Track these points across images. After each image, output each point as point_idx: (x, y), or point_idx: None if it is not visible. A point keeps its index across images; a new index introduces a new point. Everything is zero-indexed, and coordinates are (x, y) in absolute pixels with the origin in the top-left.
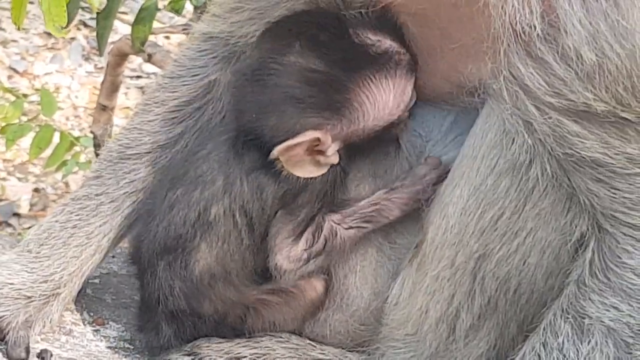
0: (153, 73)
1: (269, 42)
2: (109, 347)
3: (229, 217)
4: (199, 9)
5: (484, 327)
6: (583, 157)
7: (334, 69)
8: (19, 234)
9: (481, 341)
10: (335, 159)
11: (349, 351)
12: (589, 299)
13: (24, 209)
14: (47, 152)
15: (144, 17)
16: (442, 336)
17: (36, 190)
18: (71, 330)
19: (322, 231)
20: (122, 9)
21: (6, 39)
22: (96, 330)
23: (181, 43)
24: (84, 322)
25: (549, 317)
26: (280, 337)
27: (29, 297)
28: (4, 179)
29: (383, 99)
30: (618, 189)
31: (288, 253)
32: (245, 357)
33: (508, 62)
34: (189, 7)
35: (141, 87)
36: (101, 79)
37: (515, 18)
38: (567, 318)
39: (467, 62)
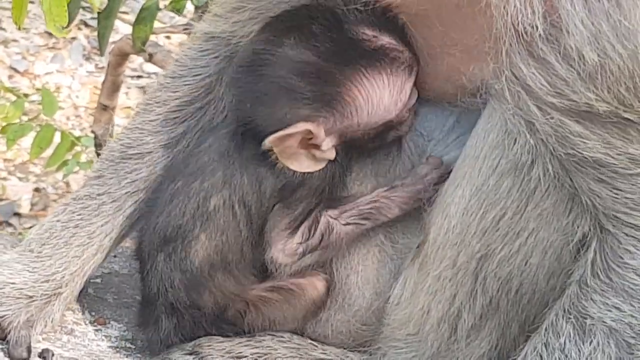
0: (154, 73)
1: (266, 34)
2: (111, 347)
3: (228, 208)
4: (200, 9)
5: (486, 327)
6: (585, 158)
7: (326, 62)
8: (20, 233)
9: (483, 341)
10: (331, 155)
11: (351, 351)
12: (591, 299)
13: (24, 209)
14: (48, 151)
15: (145, 17)
16: (443, 336)
17: (37, 190)
18: (73, 329)
19: (318, 226)
20: (123, 8)
21: (7, 39)
22: (98, 330)
23: (182, 43)
24: (85, 322)
25: (551, 318)
26: (282, 337)
27: (31, 297)
28: (4, 178)
29: (377, 95)
30: (620, 190)
31: (283, 246)
32: (246, 356)
33: (510, 63)
34: (189, 7)
35: (142, 87)
36: (102, 78)
37: (517, 18)
38: (569, 318)
39: (469, 63)
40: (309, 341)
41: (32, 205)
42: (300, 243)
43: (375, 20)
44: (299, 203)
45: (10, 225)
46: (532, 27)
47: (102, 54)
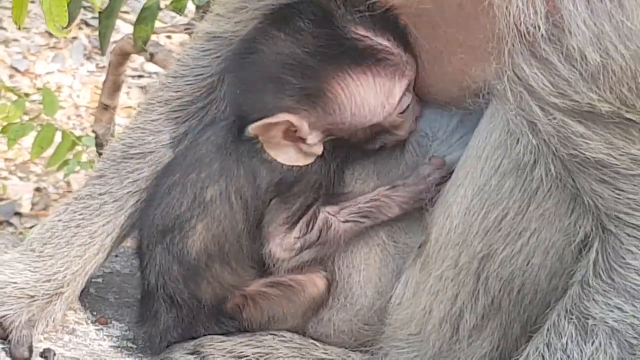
0: (155, 72)
1: (257, 26)
2: (112, 346)
3: (225, 199)
4: (201, 9)
5: (488, 327)
6: (587, 158)
7: (311, 57)
8: (21, 233)
9: (484, 341)
10: (318, 150)
11: (352, 351)
12: (593, 299)
13: (25, 208)
14: (49, 151)
15: (146, 17)
16: (445, 336)
17: (38, 189)
18: (74, 329)
19: (316, 221)
20: (124, 8)
21: (8, 38)
22: (99, 330)
23: (183, 42)
24: (87, 321)
25: (553, 318)
26: (283, 336)
27: (32, 296)
28: (5, 178)
29: (361, 95)
30: (622, 190)
31: (281, 241)
32: (247, 356)
33: (512, 63)
34: (191, 7)
35: (143, 87)
36: (103, 78)
37: (520, 18)
38: (571, 319)
39: (472, 63)
40: (311, 341)
41: (33, 204)
42: (298, 238)
43: (372, 21)
44: (296, 198)
45: (11, 224)
46: (535, 27)
47: (103, 54)
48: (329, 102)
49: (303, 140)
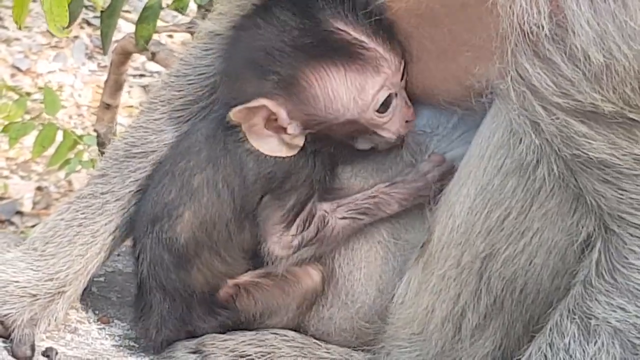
0: (156, 72)
1: (244, 16)
2: (114, 346)
3: (211, 187)
4: (203, 8)
5: (490, 327)
6: (590, 158)
7: (287, 46)
8: (22, 232)
9: (487, 341)
10: (299, 142)
11: (355, 350)
12: (596, 299)
13: (26, 208)
14: (50, 150)
15: (147, 16)
16: (447, 335)
17: (39, 188)
18: (76, 328)
19: (313, 219)
20: (125, 7)
21: (9, 37)
22: (101, 329)
23: (185, 42)
24: (89, 321)
25: (555, 318)
26: (285, 336)
27: (35, 295)
28: (6, 177)
29: (333, 87)
30: (625, 190)
31: (279, 239)
32: (250, 355)
33: (515, 62)
34: (192, 6)
35: (145, 86)
36: (104, 77)
37: (523, 18)
38: (574, 319)
39: (476, 63)
40: (313, 340)
41: (34, 203)
42: (295, 235)
43: (354, 16)
44: (289, 195)
45: (12, 223)
46: (538, 26)
47: (104, 53)
48: (303, 90)
49: (284, 130)
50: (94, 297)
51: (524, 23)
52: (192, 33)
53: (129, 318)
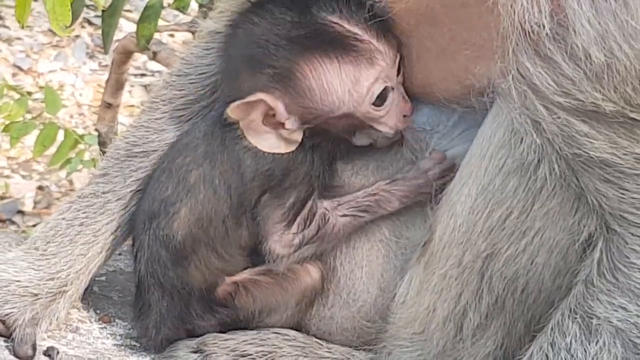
0: (158, 71)
1: (240, 13)
2: (116, 345)
3: (208, 183)
4: (204, 7)
5: (492, 327)
6: (591, 157)
7: (282, 39)
8: (23, 231)
9: (488, 340)
10: (298, 137)
11: (356, 349)
12: (597, 299)
13: (27, 207)
14: (51, 149)
15: (149, 15)
16: (449, 335)
17: (40, 188)
18: (78, 327)
19: (314, 217)
20: (127, 6)
21: (10, 37)
22: (103, 328)
23: (186, 41)
24: (90, 320)
25: (557, 317)
26: (287, 335)
27: (36, 295)
28: (8, 176)
29: (327, 79)
30: (626, 190)
31: (279, 238)
32: (251, 354)
33: (517, 61)
34: (194, 5)
35: (146, 85)
36: (105, 76)
37: (524, 17)
38: (575, 318)
39: (476, 62)
40: (315, 339)
41: (36, 203)
42: (296, 234)
43: (349, 10)
44: (289, 193)
45: (13, 223)
46: (539, 25)
47: (106, 52)
48: (298, 83)
49: (282, 125)
50: (96, 297)
51: (525, 22)
52: (193, 32)
53: (130, 317)
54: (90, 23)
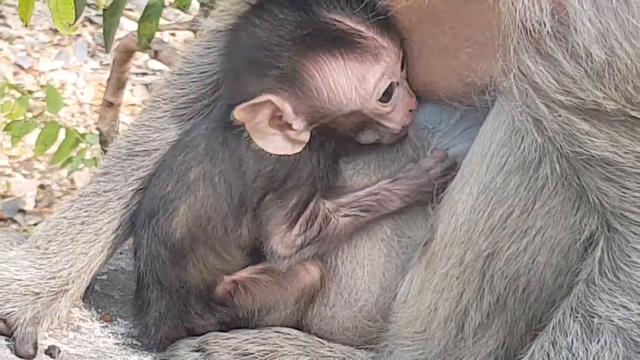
0: (159, 70)
1: (240, 16)
2: (117, 344)
3: (208, 181)
4: (205, 6)
5: (493, 326)
6: (592, 156)
7: (285, 40)
8: (24, 230)
9: (490, 339)
10: (305, 137)
11: (357, 348)
12: (599, 298)
13: (29, 206)
14: (53, 148)
15: (150, 14)
16: (450, 334)
17: (41, 186)
18: (79, 326)
19: (316, 218)
20: (128, 5)
21: (12, 36)
22: (104, 327)
23: (187, 40)
24: (91, 319)
25: (558, 316)
26: (289, 334)
27: (37, 294)
28: (9, 175)
29: (333, 77)
30: (628, 188)
31: (281, 239)
32: (252, 353)
33: (518, 60)
34: (195, 4)
35: (147, 84)
36: (107, 75)
37: (525, 15)
38: (576, 317)
39: (478, 60)
40: (316, 338)
41: (37, 202)
42: (299, 235)
43: (350, 7)
44: (292, 193)
45: (14, 222)
46: (540, 24)
47: (107, 51)
48: (305, 83)
49: (289, 126)
50: (97, 295)
51: (526, 20)
52: (194, 31)
53: (131, 315)
54: (91, 22)
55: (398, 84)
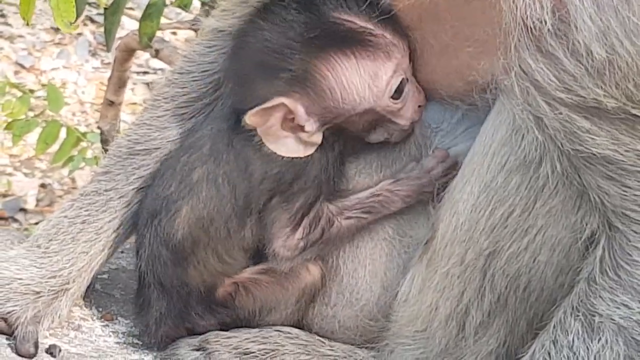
0: (160, 69)
1: (247, 20)
2: (118, 343)
3: (211, 182)
4: (206, 5)
5: (494, 325)
6: (593, 154)
7: (295, 42)
8: (26, 229)
9: (491, 338)
10: (317, 139)
11: (358, 347)
12: (600, 296)
13: (30, 205)
14: (54, 147)
15: (151, 13)
16: (451, 333)
17: (43, 185)
18: (80, 325)
19: (319, 221)
20: (129, 4)
21: (13, 34)
22: (105, 326)
23: (188, 39)
24: (92, 318)
25: (559, 315)
26: (289, 333)
27: (38, 293)
28: (10, 174)
29: (346, 77)
30: (629, 187)
31: (284, 242)
32: (253, 352)
33: (518, 58)
34: (196, 3)
35: (148, 83)
36: (108, 74)
37: (526, 13)
38: (578, 316)
39: (479, 58)
40: (317, 337)
41: (38, 201)
42: (302, 238)
43: (356, 6)
44: (298, 196)
45: (16, 220)
46: (541, 21)
47: (108, 50)
48: (318, 83)
49: (301, 128)
50: (98, 294)
51: (527, 18)
52: (195, 30)
53: (132, 313)
54: (92, 21)
55: (407, 80)
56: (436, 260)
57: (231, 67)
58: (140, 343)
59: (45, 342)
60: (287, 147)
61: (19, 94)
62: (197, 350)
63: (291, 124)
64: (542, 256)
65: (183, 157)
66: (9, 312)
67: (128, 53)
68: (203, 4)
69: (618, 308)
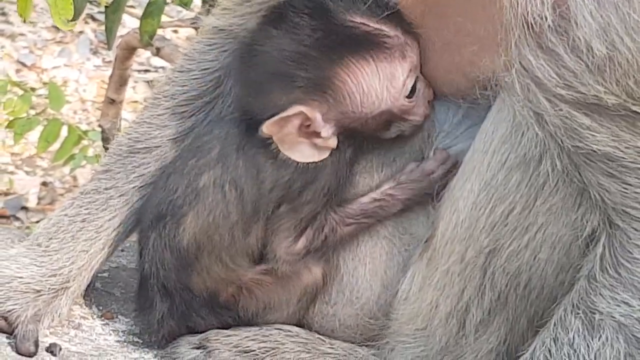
0: (161, 67)
1: (256, 27)
2: (118, 341)
3: (217, 188)
4: (207, 3)
5: (494, 322)
6: (594, 151)
7: (311, 49)
8: (27, 227)
9: (491, 336)
10: (333, 143)
11: (359, 345)
12: (600, 294)
13: (31, 203)
14: (55, 145)
15: (152, 11)
16: (452, 331)
17: (44, 184)
18: (80, 324)
19: (323, 229)
20: (130, 2)
21: (14, 33)
22: (105, 324)
23: (189, 37)
24: (92, 316)
25: (560, 313)
26: (290, 331)
27: (38, 291)
28: (12, 172)
29: (366, 81)
30: (629, 184)
31: (287, 249)
32: (254, 350)
33: (519, 54)
34: (197, 1)
35: (149, 81)
36: (109, 72)
37: (527, 9)
38: (578, 313)
39: (481, 54)
40: (317, 336)
41: (40, 199)
42: (304, 247)
43: (367, 8)
44: (305, 205)
45: (17, 219)
46: (542, 18)
47: (109, 48)
48: (337, 90)
49: (317, 134)
50: (98, 293)
51: (528, 14)
52: (196, 28)
53: (132, 312)
54: (93, 19)
55: (418, 77)
56: (436, 258)
57: (244, 76)
58: (141, 341)
59: (45, 340)
60: (303, 153)
61: (21, 92)
62: (198, 348)
63: (307, 130)
64: (543, 254)
65: (191, 161)
66: (9, 311)
67: (129, 51)
68: (204, 2)
69: (618, 306)
